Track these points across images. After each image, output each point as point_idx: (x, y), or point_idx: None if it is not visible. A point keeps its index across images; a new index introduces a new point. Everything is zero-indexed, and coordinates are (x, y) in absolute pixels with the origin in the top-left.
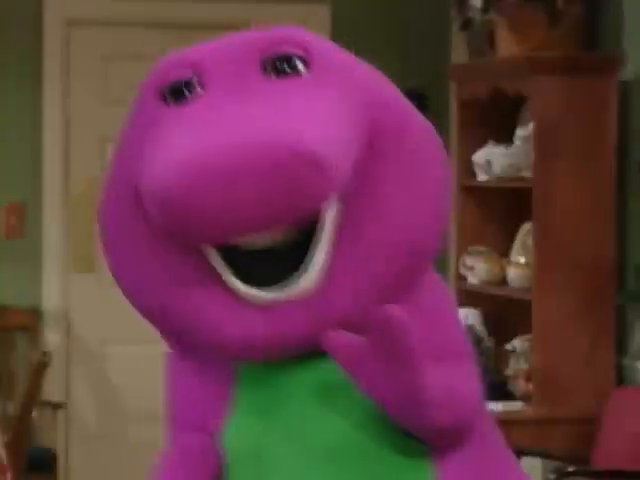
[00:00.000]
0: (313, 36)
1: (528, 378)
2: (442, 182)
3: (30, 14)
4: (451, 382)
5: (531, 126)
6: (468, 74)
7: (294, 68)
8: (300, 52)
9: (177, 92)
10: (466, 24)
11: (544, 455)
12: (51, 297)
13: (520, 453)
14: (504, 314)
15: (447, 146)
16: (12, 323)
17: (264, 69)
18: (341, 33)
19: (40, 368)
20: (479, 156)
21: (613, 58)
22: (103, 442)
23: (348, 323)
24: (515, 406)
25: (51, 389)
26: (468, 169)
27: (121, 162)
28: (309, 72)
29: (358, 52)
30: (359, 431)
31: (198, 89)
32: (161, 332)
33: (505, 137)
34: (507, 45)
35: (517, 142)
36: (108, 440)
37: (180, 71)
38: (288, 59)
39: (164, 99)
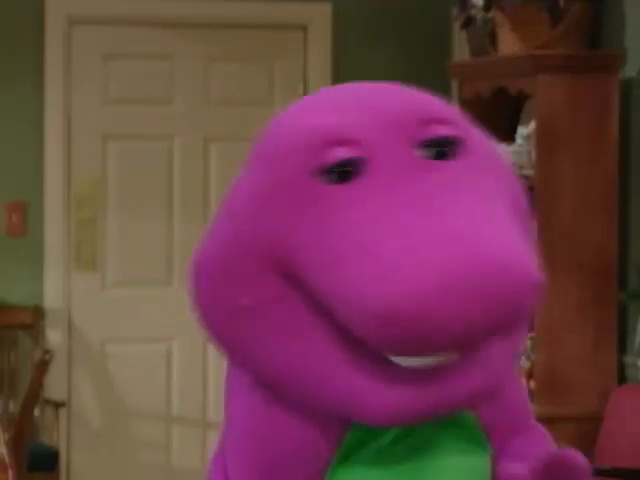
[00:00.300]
0: (461, 115)
1: (530, 376)
2: None
3: (32, 12)
4: None
5: (533, 124)
6: (470, 72)
7: (448, 154)
8: (455, 135)
9: (342, 172)
10: (468, 22)
11: None
12: (53, 296)
13: None
14: None
15: None
16: (14, 321)
17: (417, 148)
18: (342, 31)
19: (42, 366)
20: None
21: (615, 56)
22: (105, 440)
23: (478, 396)
24: None
25: (53, 387)
26: None
27: (255, 226)
28: (462, 158)
29: (359, 50)
30: None
31: (361, 170)
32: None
33: (507, 135)
34: (509, 43)
35: (519, 140)
36: (110, 438)
37: (341, 150)
38: (444, 144)
39: (317, 176)
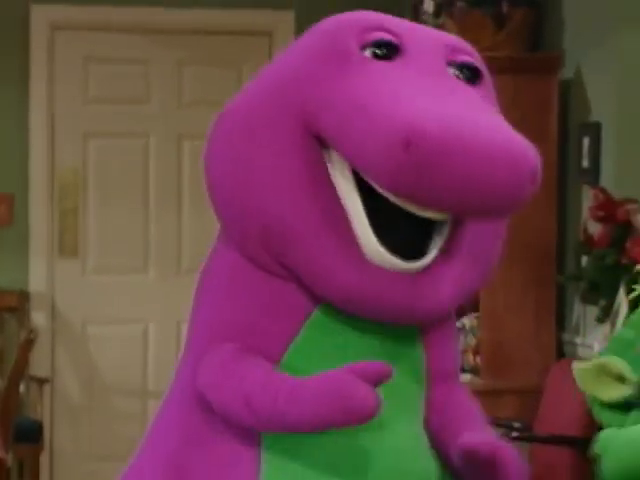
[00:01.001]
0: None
1: (476, 352)
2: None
3: (18, 19)
4: None
5: None
6: None
7: (474, 78)
8: (479, 66)
9: (381, 51)
10: None
11: (491, 423)
12: (37, 280)
13: None
14: None
15: None
16: (0, 305)
17: (449, 67)
18: None
19: (27, 344)
20: None
21: (554, 58)
22: (85, 413)
23: (437, 309)
24: (465, 378)
25: (37, 365)
26: None
27: (292, 86)
28: (480, 85)
29: None
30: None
31: (398, 55)
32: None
33: None
34: None
35: None
36: (90, 412)
37: (385, 34)
38: (472, 69)
39: (362, 50)
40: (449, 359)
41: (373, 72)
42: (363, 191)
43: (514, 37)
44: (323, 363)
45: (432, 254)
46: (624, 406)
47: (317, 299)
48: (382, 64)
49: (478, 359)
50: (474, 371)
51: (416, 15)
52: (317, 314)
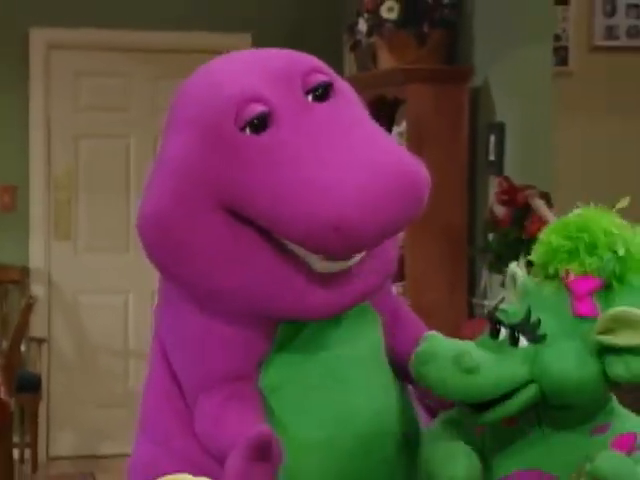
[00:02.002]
0: (325, 65)
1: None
2: None
3: (19, 39)
4: None
5: (404, 124)
6: (357, 84)
7: (328, 95)
8: (326, 80)
9: (258, 125)
10: (355, 45)
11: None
12: (36, 258)
13: None
14: None
15: None
16: (5, 278)
17: (306, 94)
18: None
19: (27, 308)
20: None
21: (466, 70)
22: (77, 369)
23: (370, 293)
24: None
25: (36, 328)
26: None
27: (196, 179)
28: (335, 96)
29: None
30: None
31: (271, 120)
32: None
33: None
34: (386, 61)
35: (394, 137)
36: (81, 368)
37: (254, 106)
38: (325, 87)
39: (242, 131)
40: (393, 301)
41: (268, 151)
42: None
43: (433, 53)
44: (300, 361)
45: (356, 258)
46: None
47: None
48: (267, 137)
49: None
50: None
51: (352, 35)
52: (281, 328)
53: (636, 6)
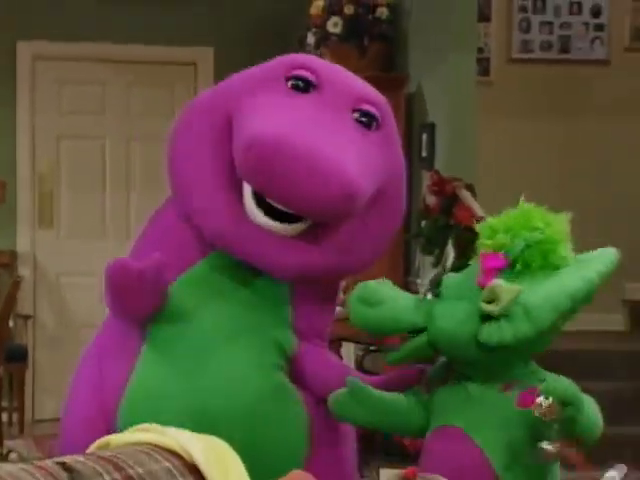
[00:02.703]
0: (385, 102)
1: (346, 290)
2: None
3: (7, 52)
4: None
5: None
6: None
7: (370, 125)
8: (378, 114)
9: (298, 84)
10: None
11: (356, 341)
12: (23, 244)
13: (341, 340)
14: None
15: None
16: None
17: (352, 112)
18: (221, 66)
19: (15, 285)
20: None
21: (402, 78)
22: (59, 342)
23: (295, 268)
24: (339, 310)
25: (23, 306)
26: None
27: (221, 89)
28: (378, 130)
29: None
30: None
31: (311, 92)
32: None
33: None
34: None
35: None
36: (62, 341)
37: (310, 72)
38: (370, 117)
39: (286, 81)
40: (318, 321)
41: (279, 96)
42: None
43: (372, 62)
44: (203, 291)
45: (300, 225)
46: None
47: (213, 247)
48: (295, 94)
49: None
50: (344, 304)
51: (301, 47)
52: (212, 255)
53: (549, 23)
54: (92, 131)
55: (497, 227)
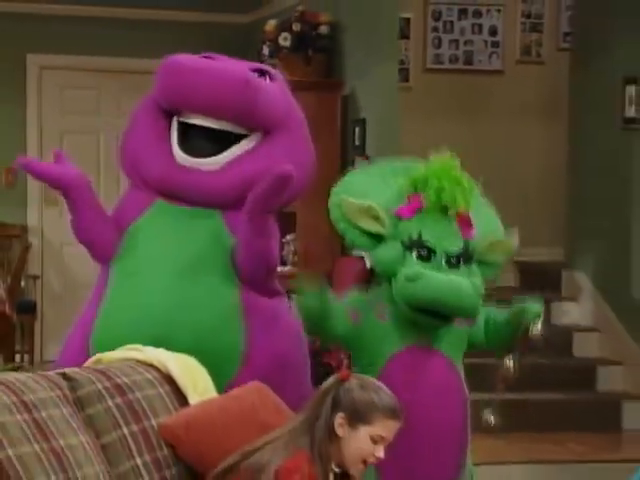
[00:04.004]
0: (275, 71)
1: (295, 254)
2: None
3: (18, 63)
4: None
5: None
6: None
7: (264, 77)
8: (269, 70)
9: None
10: None
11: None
12: (32, 219)
13: (289, 292)
14: (281, 220)
15: None
16: (10, 233)
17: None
18: None
19: (24, 250)
20: None
21: (339, 83)
22: (62, 298)
23: (229, 194)
24: (288, 268)
25: (32, 268)
26: None
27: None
28: (272, 81)
29: None
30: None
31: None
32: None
33: None
34: (283, 75)
35: None
36: (65, 297)
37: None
38: (262, 72)
39: None
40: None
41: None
42: (184, 131)
43: (316, 70)
44: (153, 230)
45: (222, 158)
46: (374, 237)
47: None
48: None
49: (296, 257)
50: (294, 264)
51: (258, 56)
52: (158, 203)
53: (455, 41)
54: (89, 128)
55: (422, 174)
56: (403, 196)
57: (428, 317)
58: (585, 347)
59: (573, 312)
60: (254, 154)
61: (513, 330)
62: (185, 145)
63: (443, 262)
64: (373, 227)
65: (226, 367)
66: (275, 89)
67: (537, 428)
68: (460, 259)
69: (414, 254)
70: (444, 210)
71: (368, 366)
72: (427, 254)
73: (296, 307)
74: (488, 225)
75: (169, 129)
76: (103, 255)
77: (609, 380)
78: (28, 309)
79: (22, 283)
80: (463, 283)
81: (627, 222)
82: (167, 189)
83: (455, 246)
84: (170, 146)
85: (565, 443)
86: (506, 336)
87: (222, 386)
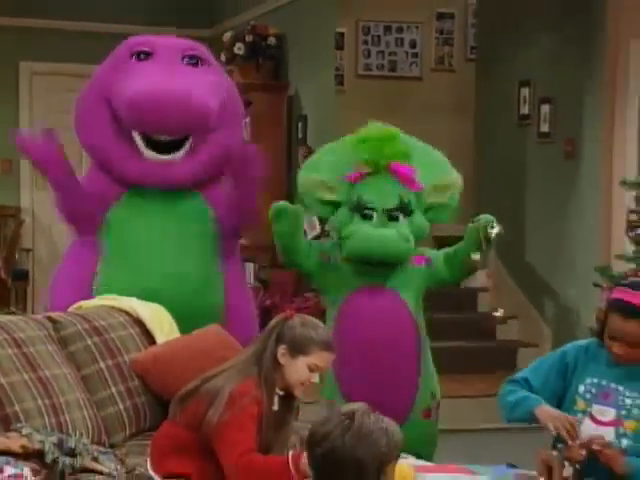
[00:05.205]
0: (204, 48)
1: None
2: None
3: (11, 69)
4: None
5: (248, 119)
6: None
7: (197, 64)
8: (200, 55)
9: (140, 55)
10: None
11: (254, 261)
12: (25, 200)
13: (245, 261)
14: None
15: None
16: (5, 213)
17: (182, 60)
18: None
19: (18, 225)
20: None
21: (285, 85)
22: (51, 268)
23: (180, 178)
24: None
25: (25, 242)
26: None
27: (96, 84)
28: (203, 66)
29: None
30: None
31: (150, 57)
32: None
33: None
34: (238, 79)
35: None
36: (53, 266)
37: (145, 46)
38: (195, 58)
39: (131, 58)
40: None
41: (134, 68)
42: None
43: (265, 75)
44: (135, 216)
45: (178, 154)
46: (332, 204)
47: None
48: (141, 63)
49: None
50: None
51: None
52: (130, 192)
53: (382, 52)
54: (73, 125)
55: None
56: (352, 164)
57: (365, 265)
58: (486, 304)
59: (479, 275)
60: (206, 143)
61: (474, 242)
62: (149, 146)
63: (385, 218)
64: (328, 196)
65: (210, 323)
66: (210, 87)
67: (448, 371)
68: (399, 212)
69: (359, 215)
70: (385, 171)
71: (332, 303)
72: (370, 214)
73: (273, 237)
74: (432, 172)
75: (126, 133)
76: (85, 230)
77: (507, 331)
78: (21, 276)
79: (16, 255)
80: (387, 234)
81: (522, 202)
82: (137, 178)
83: (391, 203)
84: (134, 147)
85: (471, 382)
86: (467, 253)
87: None
